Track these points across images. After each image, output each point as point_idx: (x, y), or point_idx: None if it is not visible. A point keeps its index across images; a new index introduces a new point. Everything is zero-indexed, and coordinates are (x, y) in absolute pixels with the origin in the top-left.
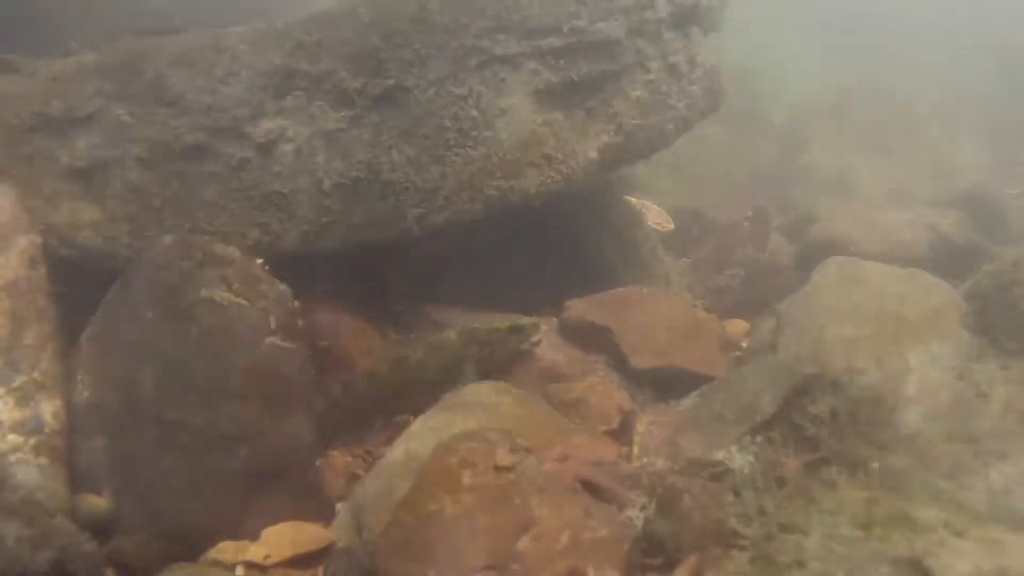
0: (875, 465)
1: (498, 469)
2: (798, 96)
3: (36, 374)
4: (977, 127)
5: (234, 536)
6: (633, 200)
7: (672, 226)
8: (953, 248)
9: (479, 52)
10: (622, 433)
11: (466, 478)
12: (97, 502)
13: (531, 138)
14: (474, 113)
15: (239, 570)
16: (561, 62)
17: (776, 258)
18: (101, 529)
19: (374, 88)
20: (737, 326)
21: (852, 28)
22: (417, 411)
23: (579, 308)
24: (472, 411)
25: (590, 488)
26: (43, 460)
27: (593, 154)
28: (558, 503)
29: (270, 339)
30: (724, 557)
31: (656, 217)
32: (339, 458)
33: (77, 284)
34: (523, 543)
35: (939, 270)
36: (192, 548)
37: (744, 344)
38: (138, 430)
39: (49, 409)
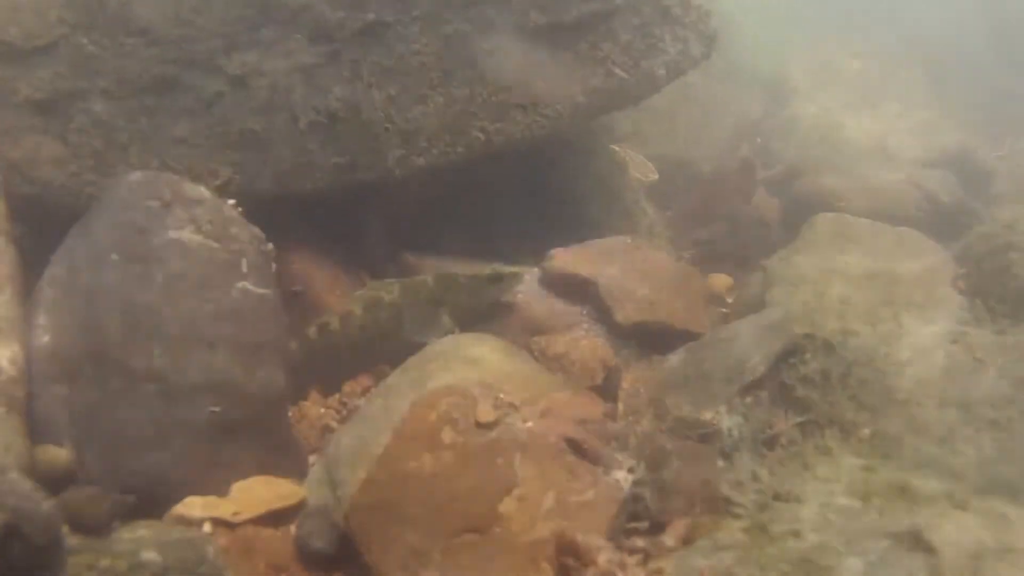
0: (866, 430)
1: (480, 426)
2: (786, 50)
3: None
4: (965, 88)
5: (202, 491)
6: (617, 149)
7: (656, 176)
8: (941, 207)
9: None
10: (607, 389)
11: (446, 435)
12: (57, 454)
13: (517, 80)
14: (459, 52)
15: (206, 527)
16: (550, 2)
17: (761, 212)
18: (61, 483)
19: (354, 22)
20: (721, 280)
21: None
22: (395, 362)
23: (563, 258)
24: (453, 363)
25: (575, 447)
26: None
27: (581, 98)
28: (542, 463)
29: (241, 284)
30: (715, 525)
31: (640, 167)
32: (312, 409)
33: (38, 223)
34: (506, 504)
35: (926, 230)
36: (157, 503)
37: (729, 300)
38: (101, 378)
39: (6, 354)
